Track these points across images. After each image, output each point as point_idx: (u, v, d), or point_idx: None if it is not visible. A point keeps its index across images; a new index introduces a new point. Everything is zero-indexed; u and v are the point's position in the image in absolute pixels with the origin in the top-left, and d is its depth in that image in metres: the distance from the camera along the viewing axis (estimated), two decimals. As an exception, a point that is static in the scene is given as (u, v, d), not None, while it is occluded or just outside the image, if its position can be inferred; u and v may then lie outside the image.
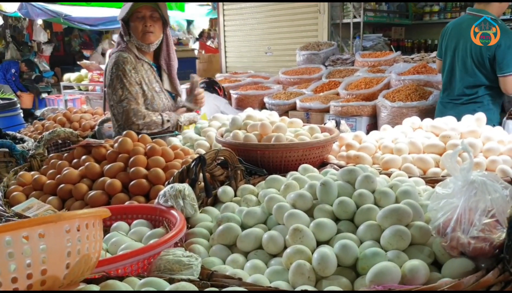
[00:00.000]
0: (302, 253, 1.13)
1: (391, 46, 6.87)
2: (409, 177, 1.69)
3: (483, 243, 1.04)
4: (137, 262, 1.14)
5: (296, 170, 1.81)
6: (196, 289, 0.97)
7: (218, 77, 6.19)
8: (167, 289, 0.96)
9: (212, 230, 1.43)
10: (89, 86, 6.95)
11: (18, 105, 4.43)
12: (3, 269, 0.75)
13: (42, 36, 9.82)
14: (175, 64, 2.92)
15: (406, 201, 1.27)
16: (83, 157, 1.93)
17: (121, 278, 1.08)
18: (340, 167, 1.92)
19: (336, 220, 1.30)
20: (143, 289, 0.93)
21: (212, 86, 5.26)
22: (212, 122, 2.59)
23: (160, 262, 1.13)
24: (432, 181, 1.65)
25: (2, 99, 4.49)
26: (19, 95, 8.96)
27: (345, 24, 6.83)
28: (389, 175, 1.75)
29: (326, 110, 4.61)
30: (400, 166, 1.94)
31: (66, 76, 7.35)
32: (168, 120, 2.76)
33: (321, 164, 2.04)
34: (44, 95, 9.54)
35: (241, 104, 5.11)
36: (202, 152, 2.31)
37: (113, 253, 1.29)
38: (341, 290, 1.03)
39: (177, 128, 2.82)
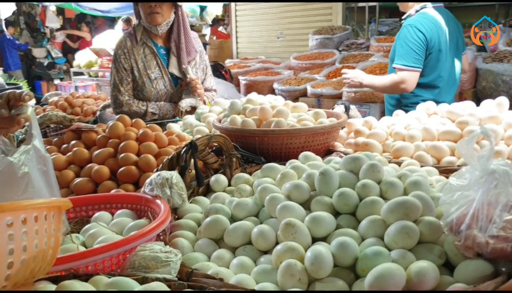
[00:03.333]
0: (294, 251, 0.99)
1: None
2: (421, 166, 1.54)
3: (504, 243, 0.89)
4: (110, 258, 1.02)
5: (297, 158, 1.68)
6: (167, 290, 0.84)
7: (228, 63, 6.04)
8: (135, 290, 0.84)
9: (201, 222, 1.30)
10: (99, 72, 6.86)
11: (25, 91, 4.35)
12: None
13: (54, 22, 9.77)
14: (185, 47, 2.79)
15: (415, 193, 1.12)
16: (72, 142, 1.82)
17: (90, 276, 0.96)
18: (347, 155, 1.77)
19: (336, 214, 1.16)
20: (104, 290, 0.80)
21: (218, 70, 5.08)
22: (213, 108, 2.45)
23: (135, 258, 1.01)
24: (446, 171, 1.50)
25: (8, 84, 4.42)
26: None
27: (361, 8, 6.61)
28: (399, 164, 1.60)
29: (339, 97, 4.44)
30: (412, 154, 1.79)
31: (76, 62, 7.28)
32: (153, 113, 2.72)
33: (327, 152, 1.90)
34: (56, 81, 9.51)
35: (250, 90, 4.96)
36: (202, 138, 2.18)
37: (89, 246, 1.18)
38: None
39: (179, 114, 2.70)
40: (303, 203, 1.19)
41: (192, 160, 1.48)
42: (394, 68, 2.88)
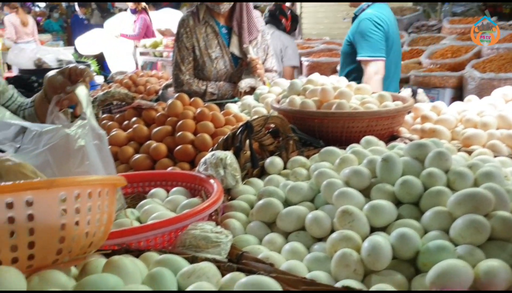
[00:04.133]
0: (350, 240, 0.94)
1: (486, 11, 6.19)
2: (495, 157, 1.42)
3: None
4: (161, 235, 1.02)
5: (358, 143, 1.60)
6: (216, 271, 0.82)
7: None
8: (184, 269, 0.83)
9: (254, 204, 1.27)
10: (164, 52, 6.99)
11: (93, 68, 4.53)
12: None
13: (123, 3, 10.06)
14: (247, 26, 2.76)
15: (487, 184, 1.02)
16: (133, 119, 1.85)
17: (141, 252, 0.96)
18: (412, 141, 1.67)
19: (398, 203, 1.09)
20: (153, 269, 0.79)
21: (277, 16, 4.47)
22: (273, 88, 2.40)
23: (186, 237, 1.00)
24: (523, 163, 1.37)
25: (78, 62, 4.61)
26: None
27: (433, -13, 6.25)
28: (469, 152, 1.48)
29: (406, 81, 4.24)
30: (484, 142, 1.65)
31: (142, 42, 7.46)
32: (212, 93, 2.71)
33: (391, 138, 1.80)
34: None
35: (313, 72, 4.83)
36: (258, 118, 2.15)
37: (144, 221, 1.19)
38: (394, 290, 0.83)
39: (238, 94, 2.68)
40: (362, 190, 1.12)
41: (248, 141, 1.45)
42: (360, 61, 2.97)
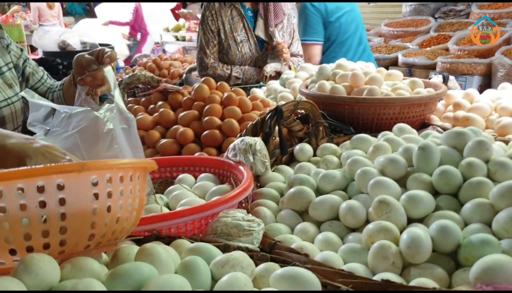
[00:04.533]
0: (388, 232, 0.90)
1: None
2: (534, 147, 1.36)
3: None
4: (192, 222, 1.01)
5: (389, 130, 1.56)
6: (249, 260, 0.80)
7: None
8: (217, 258, 0.80)
9: (284, 192, 1.25)
10: (186, 36, 6.97)
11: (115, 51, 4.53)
12: (15, 225, 0.63)
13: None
14: (273, 9, 2.71)
15: (533, 176, 0.97)
16: (159, 103, 1.83)
17: (172, 238, 0.95)
18: (445, 129, 1.61)
19: (435, 193, 1.05)
20: (187, 258, 0.77)
21: None
22: (299, 73, 2.36)
23: (217, 225, 0.98)
24: None
25: (101, 44, 4.61)
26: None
27: (462, -30, 6.04)
28: (506, 142, 1.43)
29: (432, 67, 4.13)
30: (521, 132, 1.59)
31: (165, 25, 7.45)
32: (237, 77, 2.68)
33: (422, 125, 1.74)
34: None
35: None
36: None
37: (172, 207, 1.17)
38: (436, 287, 0.79)
39: (263, 79, 2.64)
40: (398, 179, 1.08)
41: (277, 127, 1.42)
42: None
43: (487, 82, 3.90)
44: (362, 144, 1.34)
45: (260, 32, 2.73)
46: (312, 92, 1.73)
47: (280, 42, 2.66)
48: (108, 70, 1.18)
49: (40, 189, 0.64)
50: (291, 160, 1.46)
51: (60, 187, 0.65)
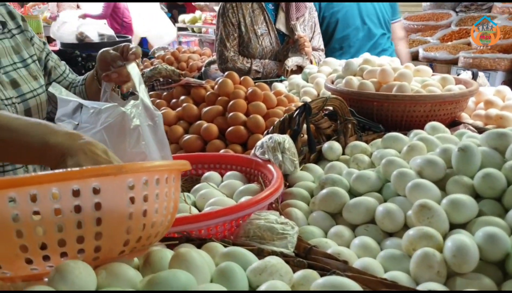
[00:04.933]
0: (431, 239, 0.86)
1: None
2: None
3: None
4: (223, 223, 0.97)
5: (419, 129, 1.51)
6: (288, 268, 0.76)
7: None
8: (254, 265, 0.77)
9: (314, 192, 1.21)
10: (202, 28, 6.93)
11: (133, 44, 4.50)
12: (49, 230, 0.60)
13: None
14: (294, 2, 2.66)
15: None
16: (182, 97, 1.79)
17: (203, 241, 0.92)
18: (477, 128, 1.56)
19: (476, 197, 1.00)
20: (223, 265, 0.74)
21: None
22: (322, 68, 2.31)
23: (250, 227, 0.94)
24: None
25: (118, 37, 4.60)
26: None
27: (485, -37, 5.89)
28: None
29: (454, 62, 4.03)
30: (558, 132, 1.52)
31: (181, 17, 7.41)
32: (257, 71, 2.62)
33: (452, 123, 1.69)
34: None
35: (355, 51, 4.69)
36: (308, 100, 2.07)
37: (200, 206, 1.14)
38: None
39: (284, 73, 2.59)
40: (436, 181, 1.03)
41: (305, 124, 1.38)
42: None
43: (510, 78, 3.80)
44: (394, 143, 1.29)
45: (281, 25, 2.68)
46: (339, 88, 1.68)
47: (302, 36, 2.60)
48: (132, 67, 1.15)
49: (75, 193, 0.61)
50: (319, 158, 1.42)
51: (96, 191, 0.62)
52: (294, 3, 2.65)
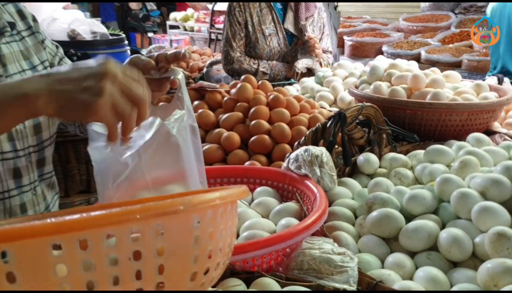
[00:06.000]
0: (517, 274, 0.75)
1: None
2: None
3: None
4: (269, 253, 0.85)
5: (454, 138, 1.42)
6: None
7: (329, 22, 5.66)
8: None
9: (357, 211, 1.10)
10: (195, 26, 6.78)
11: (126, 42, 4.33)
12: (102, 284, 0.47)
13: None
14: (304, 1, 2.55)
15: None
16: (196, 102, 1.67)
17: (250, 274, 0.80)
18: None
19: (548, 221, 0.90)
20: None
21: None
22: (337, 71, 2.21)
23: (303, 258, 0.83)
24: None
25: (111, 35, 4.41)
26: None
27: (482, -36, 5.87)
28: None
29: (457, 65, 3.97)
30: None
31: (172, 15, 7.26)
32: (264, 72, 2.50)
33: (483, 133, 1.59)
34: (150, 34, 9.62)
35: (356, 52, 4.61)
36: (325, 105, 1.96)
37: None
38: None
39: (294, 75, 2.48)
40: (502, 203, 0.93)
41: (340, 134, 1.27)
42: None
43: (514, 81, 3.75)
44: (440, 157, 1.19)
45: (289, 25, 2.56)
46: (367, 94, 1.57)
47: (312, 37, 2.50)
48: (181, 75, 0.99)
49: (136, 237, 0.48)
50: (353, 171, 1.31)
51: (158, 232, 0.50)
52: (303, 2, 2.54)
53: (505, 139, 1.46)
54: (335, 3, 3.63)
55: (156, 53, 0.97)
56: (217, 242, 0.57)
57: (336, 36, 3.72)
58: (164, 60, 0.95)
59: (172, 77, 0.94)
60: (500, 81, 1.92)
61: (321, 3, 2.74)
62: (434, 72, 1.70)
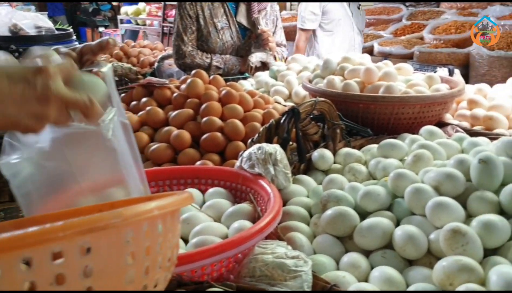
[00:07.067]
0: (472, 272, 0.74)
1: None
2: None
3: None
4: (220, 261, 0.80)
5: (407, 131, 1.41)
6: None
7: (284, 14, 5.65)
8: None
9: (312, 209, 1.07)
10: (147, 20, 6.61)
11: (74, 37, 4.14)
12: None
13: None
14: None
15: None
16: (144, 99, 1.59)
17: (199, 285, 0.75)
18: (465, 129, 1.48)
19: (501, 214, 0.89)
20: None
21: None
22: (291, 65, 2.18)
23: (255, 265, 0.78)
24: None
25: (58, 29, 4.21)
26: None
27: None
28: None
29: (409, 57, 4.04)
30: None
31: (124, 9, 7.04)
32: (218, 67, 2.45)
33: (436, 125, 1.60)
34: (101, 29, 9.32)
35: (310, 45, 4.61)
36: (280, 99, 1.92)
37: (185, 234, 0.96)
38: None
39: (248, 69, 2.43)
40: (455, 197, 0.92)
41: (294, 130, 1.23)
42: None
43: (465, 72, 3.86)
44: (393, 151, 1.18)
45: (242, 18, 2.51)
46: (321, 89, 1.54)
47: (266, 30, 2.45)
48: (107, 69, 0.91)
49: (56, 256, 0.42)
50: (308, 168, 1.28)
51: (84, 250, 0.44)
52: None
53: (457, 131, 1.47)
54: (359, 3, 3.58)
55: (81, 46, 0.90)
56: (156, 257, 0.52)
57: (362, 38, 3.63)
58: (90, 52, 0.87)
59: (95, 70, 0.86)
60: (451, 73, 1.94)
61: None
62: (387, 65, 1.70)
